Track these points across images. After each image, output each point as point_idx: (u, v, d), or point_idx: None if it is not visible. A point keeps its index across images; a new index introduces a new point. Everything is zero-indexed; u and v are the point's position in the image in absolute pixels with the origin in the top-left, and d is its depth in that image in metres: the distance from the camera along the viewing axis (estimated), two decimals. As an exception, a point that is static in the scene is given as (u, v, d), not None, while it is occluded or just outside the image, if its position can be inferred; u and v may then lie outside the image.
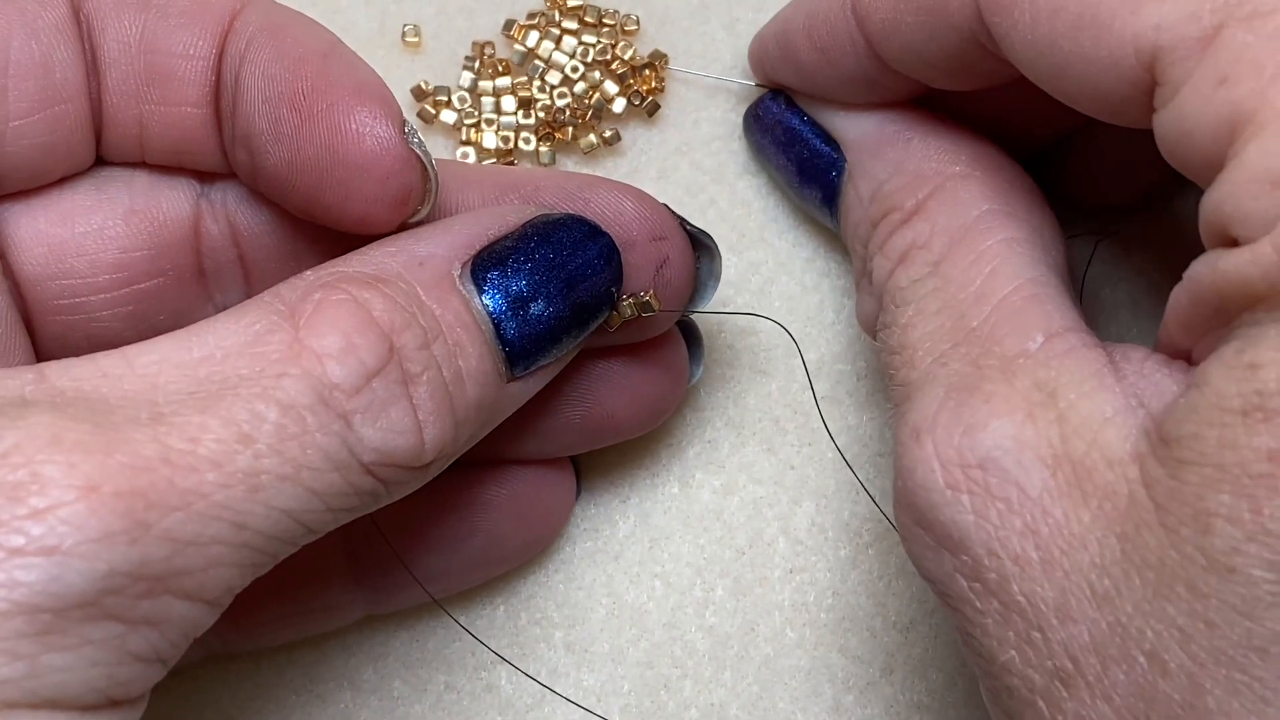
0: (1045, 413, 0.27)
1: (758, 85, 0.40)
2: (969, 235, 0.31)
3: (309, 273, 0.29)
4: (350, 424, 0.27)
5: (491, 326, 0.30)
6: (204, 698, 0.38)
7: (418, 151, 0.30)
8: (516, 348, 0.30)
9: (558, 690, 0.37)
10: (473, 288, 0.30)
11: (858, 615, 0.38)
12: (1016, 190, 0.32)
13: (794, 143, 0.37)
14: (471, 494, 0.36)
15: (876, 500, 0.38)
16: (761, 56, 0.39)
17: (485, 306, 0.30)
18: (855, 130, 0.35)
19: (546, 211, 0.32)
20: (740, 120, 0.41)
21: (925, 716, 0.37)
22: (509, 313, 0.30)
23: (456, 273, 0.30)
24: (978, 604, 0.27)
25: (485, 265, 0.30)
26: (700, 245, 0.35)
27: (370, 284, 0.28)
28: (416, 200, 0.31)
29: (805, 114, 0.37)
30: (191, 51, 0.30)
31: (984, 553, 0.27)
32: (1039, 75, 0.28)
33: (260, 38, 0.30)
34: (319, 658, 0.38)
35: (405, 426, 0.28)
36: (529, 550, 0.37)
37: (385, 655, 0.38)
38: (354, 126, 0.29)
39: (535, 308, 0.31)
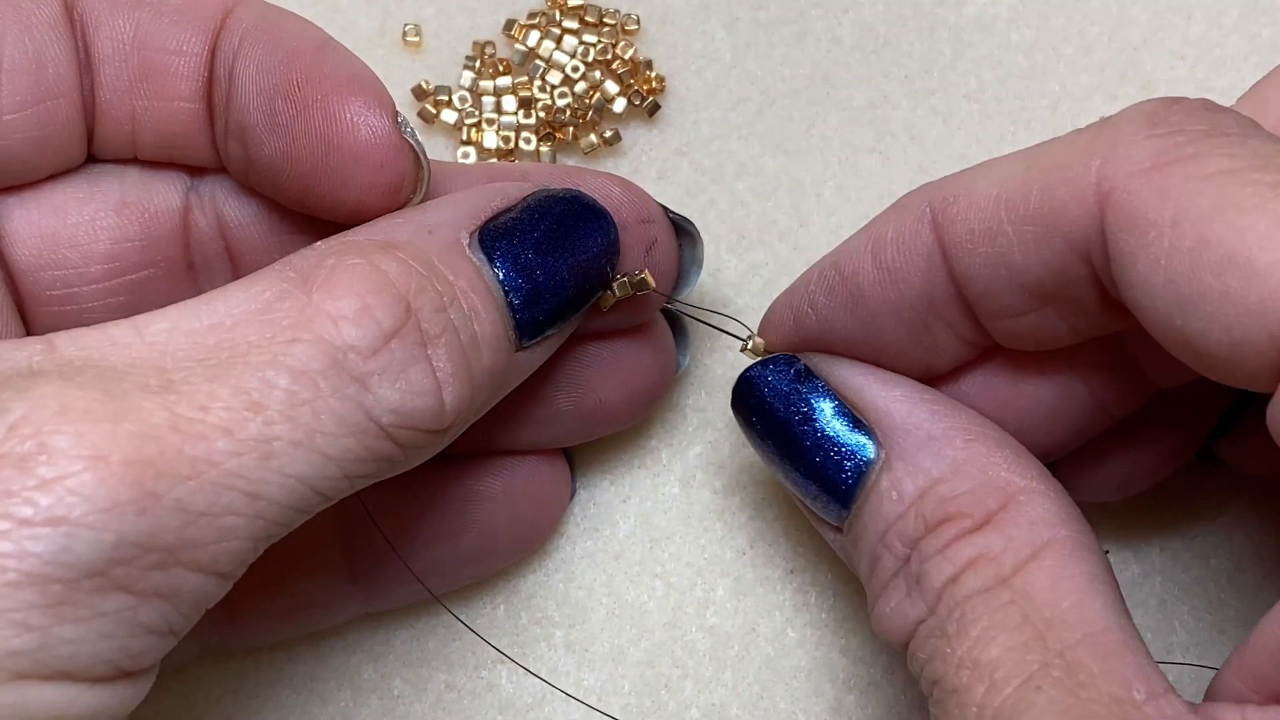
0: None
1: (751, 337, 0.35)
2: (1048, 558, 0.29)
3: (320, 243, 0.29)
4: (367, 386, 0.27)
5: (503, 294, 0.30)
6: (204, 697, 0.38)
7: (410, 140, 0.30)
8: (526, 317, 0.30)
9: (559, 686, 0.37)
10: (483, 256, 0.30)
11: (859, 615, 0.38)
12: (1079, 516, 0.30)
13: (811, 417, 0.33)
14: (465, 487, 0.36)
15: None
16: (793, 302, 0.34)
17: (496, 274, 0.30)
18: (903, 415, 0.31)
19: (545, 187, 0.32)
20: (741, 122, 0.41)
21: (926, 718, 0.37)
22: (519, 281, 0.30)
23: (465, 241, 0.30)
24: None
25: (492, 235, 0.30)
26: (682, 232, 0.35)
27: (384, 249, 0.28)
28: (409, 188, 0.31)
29: (829, 388, 0.33)
30: (185, 48, 0.31)
31: None
32: (1157, 312, 0.26)
33: (253, 33, 0.30)
34: (319, 656, 0.38)
35: (425, 388, 0.28)
36: (524, 545, 0.37)
37: (385, 654, 0.38)
38: (349, 116, 0.30)
39: (542, 277, 0.31)
